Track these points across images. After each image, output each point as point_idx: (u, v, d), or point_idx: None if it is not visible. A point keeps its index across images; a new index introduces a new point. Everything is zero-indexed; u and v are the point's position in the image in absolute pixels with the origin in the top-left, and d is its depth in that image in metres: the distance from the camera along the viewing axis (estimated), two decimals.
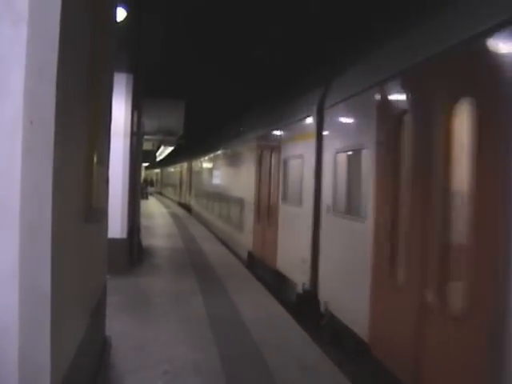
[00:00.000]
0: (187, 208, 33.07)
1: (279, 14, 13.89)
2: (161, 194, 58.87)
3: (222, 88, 21.27)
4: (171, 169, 49.79)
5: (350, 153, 6.90)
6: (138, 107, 11.47)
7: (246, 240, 13.70)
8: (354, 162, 6.71)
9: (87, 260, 3.80)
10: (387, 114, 5.64)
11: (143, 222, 17.37)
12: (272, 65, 17.08)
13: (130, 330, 6.71)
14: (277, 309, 8.55)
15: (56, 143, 2.28)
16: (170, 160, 47.96)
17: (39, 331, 2.22)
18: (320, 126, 8.23)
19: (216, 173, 21.24)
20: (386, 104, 5.76)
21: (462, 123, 4.15)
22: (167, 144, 23.26)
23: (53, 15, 2.27)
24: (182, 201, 36.82)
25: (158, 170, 69.92)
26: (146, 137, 16.23)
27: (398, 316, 5.06)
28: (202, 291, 9.34)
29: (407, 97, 5.30)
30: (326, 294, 7.63)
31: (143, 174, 58.95)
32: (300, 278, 8.74)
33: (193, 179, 31.11)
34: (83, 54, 3.20)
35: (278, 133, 11.04)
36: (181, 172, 39.51)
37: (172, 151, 36.71)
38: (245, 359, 6.06)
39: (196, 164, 29.56)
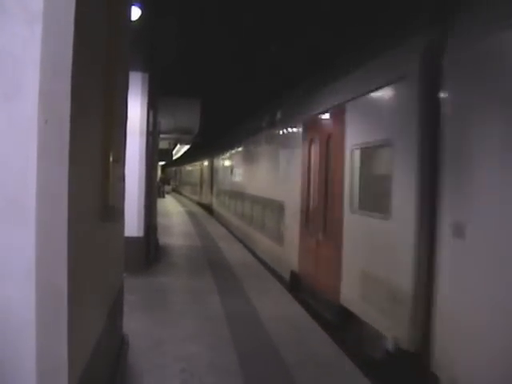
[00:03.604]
0: None
1: (294, 11, 13.82)
2: (210, 209, 29.26)
3: (238, 85, 21.24)
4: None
5: None
6: (153, 106, 11.51)
7: None
8: None
9: (104, 259, 3.81)
10: None
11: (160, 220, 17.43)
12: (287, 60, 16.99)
13: (148, 329, 6.74)
14: (295, 308, 8.52)
15: (71, 142, 2.28)
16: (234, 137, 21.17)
17: (56, 330, 2.22)
18: None
19: None
20: None
21: None
22: (183, 142, 23.28)
23: (67, 14, 2.26)
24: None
25: (196, 164, 39.09)
26: (162, 135, 16.28)
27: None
28: (219, 290, 9.35)
29: None
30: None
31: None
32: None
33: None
34: (98, 53, 3.20)
35: None
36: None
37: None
38: (262, 358, 6.05)
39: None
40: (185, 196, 48.01)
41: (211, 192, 29.15)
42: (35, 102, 2.05)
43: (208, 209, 30.03)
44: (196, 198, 38.32)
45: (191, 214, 28.30)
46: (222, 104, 23.99)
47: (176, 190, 58.14)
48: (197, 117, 15.99)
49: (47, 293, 2.15)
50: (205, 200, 32.33)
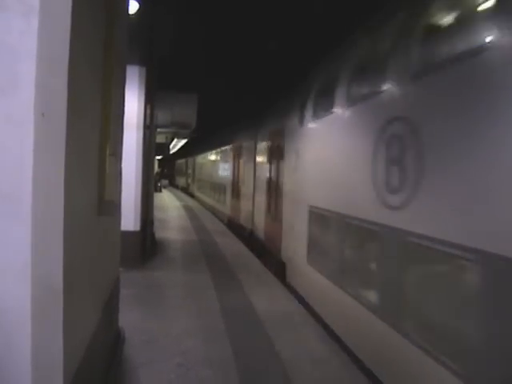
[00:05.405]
0: None
1: (292, 7, 13.76)
2: (272, 255, 11.79)
3: (235, 80, 21.18)
4: None
5: None
6: (150, 100, 11.46)
7: None
8: None
9: (100, 253, 3.80)
10: None
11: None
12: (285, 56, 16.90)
13: (144, 323, 6.73)
14: (291, 302, 8.53)
15: (68, 135, 2.27)
16: None
17: (51, 325, 2.22)
18: None
19: None
20: None
21: None
22: (180, 137, 23.22)
23: (64, 7, 2.25)
24: None
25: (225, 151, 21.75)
26: (158, 129, 16.23)
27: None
28: (216, 285, 9.35)
29: None
30: None
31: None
32: None
33: None
34: (95, 46, 3.18)
35: None
36: None
37: None
38: (257, 352, 6.06)
39: None
40: (207, 206, 28.34)
41: (277, 204, 11.70)
42: (32, 95, 2.03)
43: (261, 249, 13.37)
44: (226, 211, 20.94)
45: (187, 209, 28.26)
46: (220, 99, 23.89)
47: (189, 192, 42.21)
48: (194, 111, 15.96)
49: (43, 287, 2.14)
50: (259, 224, 14.22)
